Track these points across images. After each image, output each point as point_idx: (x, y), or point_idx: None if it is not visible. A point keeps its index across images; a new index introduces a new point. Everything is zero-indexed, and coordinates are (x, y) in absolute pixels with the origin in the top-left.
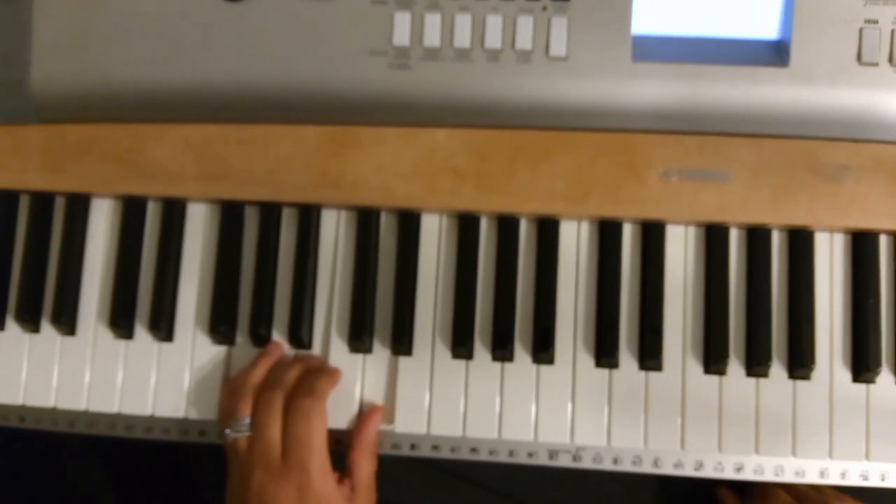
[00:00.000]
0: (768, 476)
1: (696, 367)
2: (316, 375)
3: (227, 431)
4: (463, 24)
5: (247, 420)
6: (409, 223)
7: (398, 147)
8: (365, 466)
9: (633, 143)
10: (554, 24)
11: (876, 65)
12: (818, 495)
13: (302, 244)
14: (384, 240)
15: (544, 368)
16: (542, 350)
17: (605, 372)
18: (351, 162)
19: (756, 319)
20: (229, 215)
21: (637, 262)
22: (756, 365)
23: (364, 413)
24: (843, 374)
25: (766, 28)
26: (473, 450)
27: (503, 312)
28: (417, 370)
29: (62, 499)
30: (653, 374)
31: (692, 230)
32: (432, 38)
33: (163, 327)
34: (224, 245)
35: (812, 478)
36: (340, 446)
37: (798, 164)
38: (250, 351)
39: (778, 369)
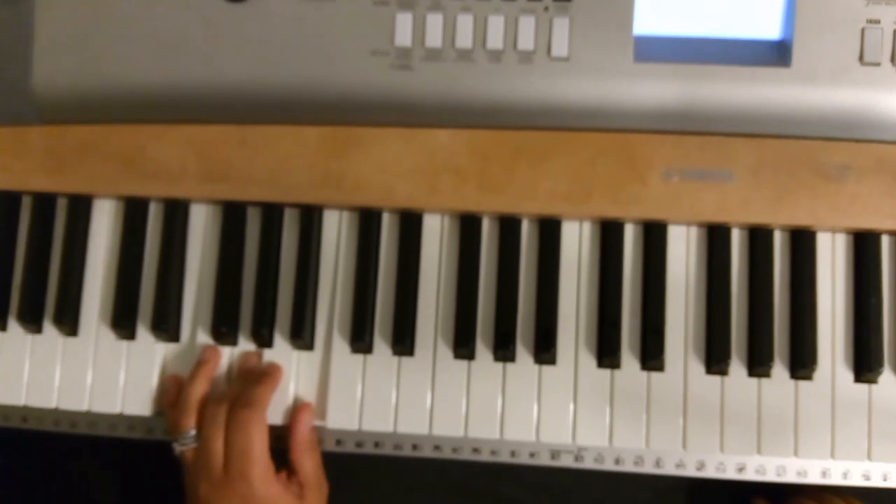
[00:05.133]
0: (770, 476)
1: (697, 368)
2: (254, 385)
3: (174, 445)
4: (465, 24)
5: (192, 433)
6: (410, 223)
7: (400, 147)
8: (307, 462)
9: (634, 143)
10: (556, 24)
11: (878, 65)
12: None
13: (304, 245)
14: (386, 240)
15: (546, 369)
16: (544, 350)
17: (606, 372)
18: (352, 162)
19: (758, 320)
20: (231, 216)
21: (639, 262)
22: (758, 365)
23: (294, 413)
24: (845, 374)
25: (768, 28)
26: (475, 450)
27: (505, 313)
28: (419, 370)
29: (64, 499)
30: (655, 375)
31: (694, 230)
32: (434, 38)
33: (165, 328)
34: (226, 246)
35: (814, 478)
36: (341, 446)
37: (800, 165)
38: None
39: (780, 369)
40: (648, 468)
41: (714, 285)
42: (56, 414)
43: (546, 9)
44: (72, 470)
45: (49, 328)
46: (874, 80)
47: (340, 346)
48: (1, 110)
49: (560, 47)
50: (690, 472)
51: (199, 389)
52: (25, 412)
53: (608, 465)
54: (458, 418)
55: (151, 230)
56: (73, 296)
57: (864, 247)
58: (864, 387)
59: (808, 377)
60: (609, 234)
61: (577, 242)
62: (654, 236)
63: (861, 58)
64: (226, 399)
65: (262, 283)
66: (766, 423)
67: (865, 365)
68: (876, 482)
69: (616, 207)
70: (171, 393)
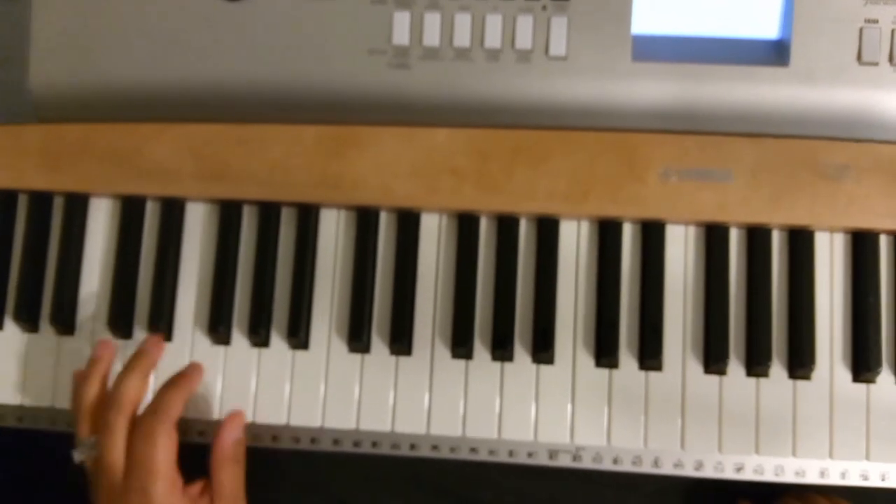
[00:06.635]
0: (768, 476)
1: (696, 367)
2: (164, 389)
3: (74, 453)
4: (462, 23)
5: (90, 439)
6: (408, 223)
7: (397, 147)
8: (225, 475)
9: (632, 142)
10: (554, 23)
11: (876, 64)
12: None
13: (301, 244)
14: (383, 240)
15: (544, 368)
16: (542, 350)
17: (604, 372)
18: (350, 162)
19: (756, 319)
20: (228, 215)
21: (637, 261)
22: (756, 365)
23: (223, 422)
24: (844, 374)
25: (767, 27)
26: (473, 450)
27: (503, 312)
28: (417, 370)
29: (62, 499)
30: (653, 374)
31: (692, 230)
32: (432, 37)
33: (162, 328)
34: (223, 245)
35: (812, 478)
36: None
37: (798, 164)
38: (248, 351)
39: (778, 369)
40: (647, 468)
41: (712, 285)
42: (52, 413)
43: (544, 8)
44: (68, 469)
45: (45, 327)
46: (872, 80)
47: (338, 345)
48: None
49: (558, 46)
50: (689, 471)
51: (91, 392)
52: (21, 412)
53: (606, 465)
54: (456, 418)
55: (148, 229)
56: (69, 295)
57: (862, 246)
58: (862, 387)
59: (807, 377)
60: (607, 233)
61: (575, 242)
62: (652, 236)
63: (859, 57)
64: (119, 405)
65: (259, 283)
66: (764, 422)
67: (864, 365)
68: (874, 482)
69: (614, 207)
70: (73, 394)
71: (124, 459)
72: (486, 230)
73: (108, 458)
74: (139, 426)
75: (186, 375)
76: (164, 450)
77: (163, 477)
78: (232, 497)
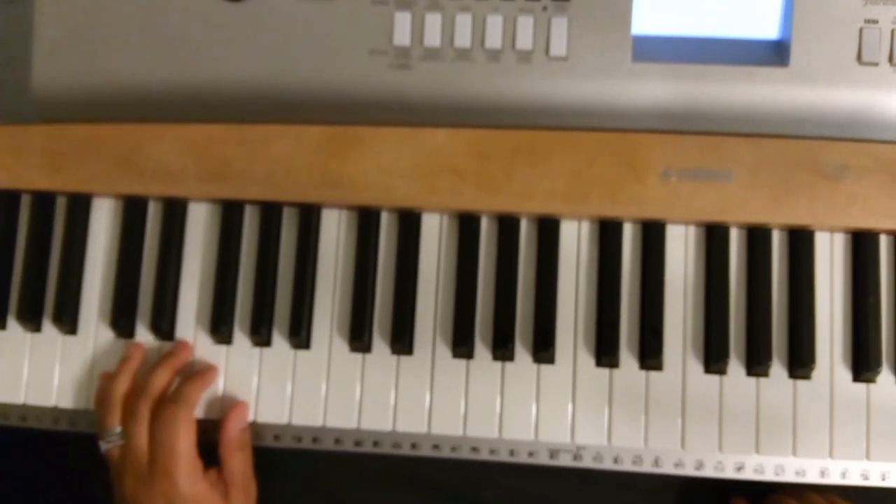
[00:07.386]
0: (769, 475)
1: (696, 367)
2: (185, 381)
3: (101, 443)
4: (463, 24)
5: (117, 429)
6: (409, 223)
7: (399, 147)
8: (234, 461)
9: (632, 142)
10: (554, 24)
11: (876, 64)
12: None
13: (302, 244)
14: (385, 239)
15: (545, 368)
16: (543, 349)
17: (605, 371)
18: (351, 162)
19: (756, 319)
20: (230, 215)
21: (637, 261)
22: (756, 364)
23: (227, 411)
24: (844, 374)
25: (766, 28)
26: (474, 449)
27: (504, 312)
28: (418, 369)
29: (63, 499)
30: (653, 374)
31: (692, 230)
32: (433, 37)
33: (164, 327)
34: (225, 245)
35: (813, 477)
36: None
37: (798, 164)
38: (249, 350)
39: (778, 369)
40: (647, 467)
41: (712, 284)
42: (55, 412)
43: (544, 8)
44: (71, 469)
45: (48, 327)
46: (872, 80)
47: (339, 345)
48: (0, 109)
49: (558, 47)
50: (689, 471)
51: (123, 384)
52: (24, 411)
53: (607, 465)
54: (457, 417)
55: (150, 229)
56: (72, 294)
57: (862, 246)
58: (862, 386)
59: (807, 376)
60: (607, 233)
61: (575, 242)
62: (652, 236)
63: (859, 58)
64: (147, 395)
65: (261, 283)
66: (764, 422)
67: (864, 364)
68: (874, 482)
69: (614, 207)
70: (100, 390)
71: (148, 444)
72: (486, 230)
73: (134, 443)
74: (161, 414)
75: (205, 372)
76: (185, 434)
77: (184, 460)
78: (243, 481)
